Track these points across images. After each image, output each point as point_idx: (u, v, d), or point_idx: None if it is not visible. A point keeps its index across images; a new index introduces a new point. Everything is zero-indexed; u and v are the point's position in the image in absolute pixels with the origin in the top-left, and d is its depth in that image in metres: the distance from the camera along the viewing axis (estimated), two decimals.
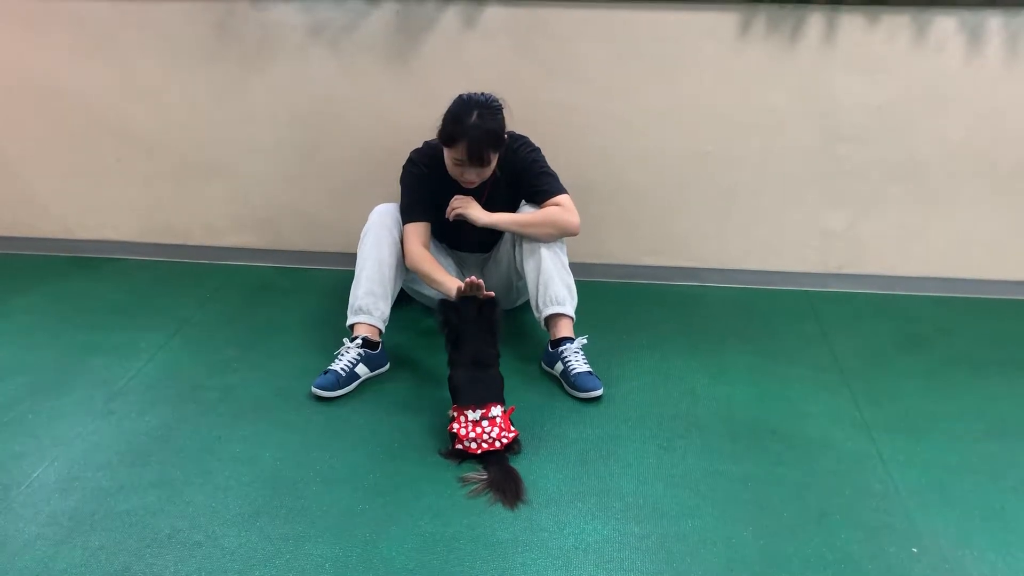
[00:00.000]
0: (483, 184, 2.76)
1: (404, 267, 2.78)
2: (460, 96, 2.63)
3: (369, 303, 2.70)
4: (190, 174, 3.47)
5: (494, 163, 2.68)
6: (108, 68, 3.32)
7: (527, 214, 2.75)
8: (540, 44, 3.12)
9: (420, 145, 2.81)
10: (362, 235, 2.79)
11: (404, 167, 2.81)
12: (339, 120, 3.31)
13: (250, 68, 3.27)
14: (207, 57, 3.26)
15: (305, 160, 3.40)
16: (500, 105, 2.62)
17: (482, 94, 2.62)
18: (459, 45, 3.15)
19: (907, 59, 3.05)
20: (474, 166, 2.62)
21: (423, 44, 3.17)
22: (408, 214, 2.79)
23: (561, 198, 2.75)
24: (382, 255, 2.73)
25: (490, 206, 2.78)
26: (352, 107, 3.28)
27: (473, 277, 2.50)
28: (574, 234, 2.74)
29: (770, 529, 2.07)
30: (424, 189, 2.78)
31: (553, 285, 2.71)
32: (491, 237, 2.90)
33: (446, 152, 2.66)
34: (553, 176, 2.79)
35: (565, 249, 2.78)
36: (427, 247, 2.77)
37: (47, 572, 1.90)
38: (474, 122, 2.55)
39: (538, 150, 2.81)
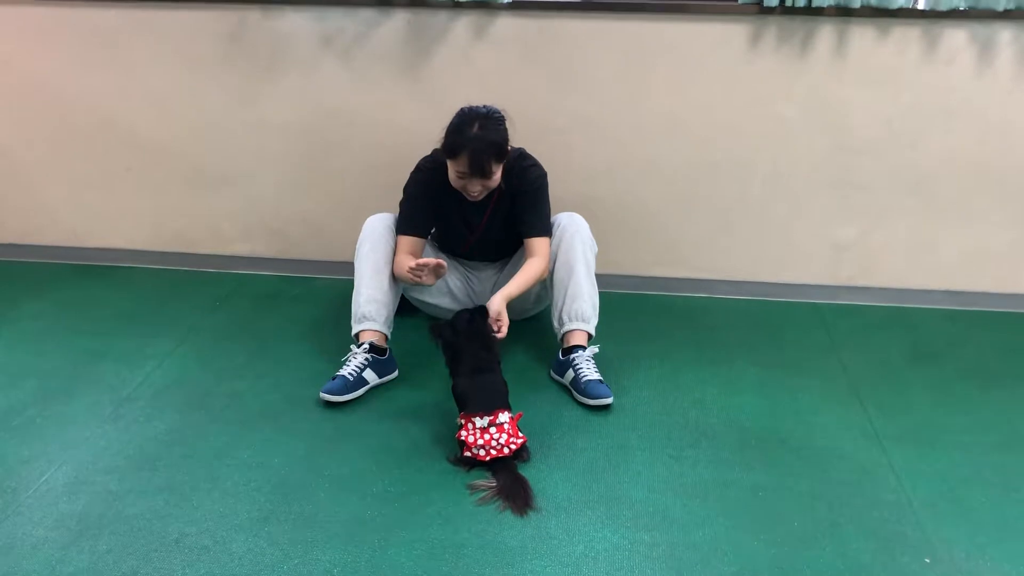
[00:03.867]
0: (488, 198, 2.76)
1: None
2: (462, 109, 2.63)
3: (372, 310, 2.70)
4: (200, 183, 3.47)
5: (498, 175, 2.66)
6: (119, 77, 3.34)
7: (521, 280, 2.68)
8: (550, 54, 3.13)
9: (430, 152, 2.81)
10: (358, 246, 2.78)
11: (411, 174, 2.81)
12: (349, 129, 3.32)
13: (261, 77, 3.28)
14: (218, 66, 3.27)
15: (315, 169, 3.41)
16: (502, 116, 2.62)
17: (484, 106, 2.61)
18: (469, 55, 3.16)
19: (917, 71, 3.05)
20: (476, 177, 2.61)
21: (434, 54, 3.18)
22: (405, 225, 2.78)
23: (541, 243, 2.74)
24: (379, 262, 2.73)
25: (492, 221, 2.80)
26: (362, 117, 3.29)
27: (422, 260, 2.58)
28: (542, 278, 2.77)
29: (781, 538, 2.06)
30: (426, 198, 2.78)
31: (580, 301, 2.72)
32: (507, 248, 2.90)
33: (449, 165, 2.65)
34: (547, 216, 2.78)
35: (594, 263, 2.79)
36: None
37: (55, 575, 1.90)
38: (476, 133, 2.55)
39: (545, 176, 2.78)
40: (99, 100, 3.38)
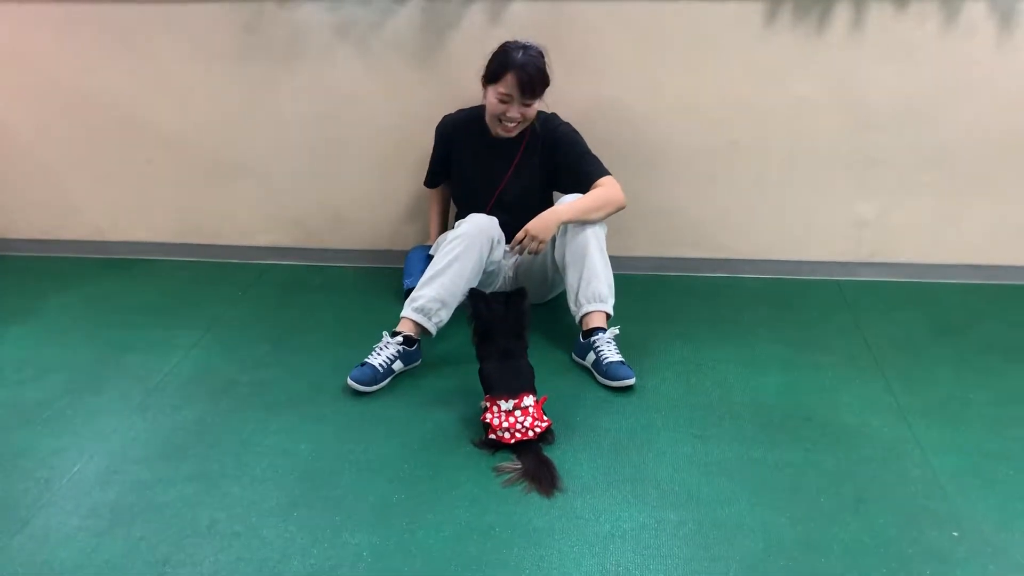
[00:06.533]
0: (520, 140, 2.86)
1: (475, 283, 2.73)
2: (505, 41, 2.77)
3: (433, 308, 2.65)
4: (220, 174, 3.50)
5: (535, 107, 2.79)
6: (138, 70, 3.35)
7: (584, 199, 2.77)
8: (565, 38, 3.11)
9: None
10: (452, 235, 2.72)
11: (436, 129, 3.04)
12: (366, 118, 3.33)
13: (278, 68, 3.29)
14: (235, 57, 3.29)
15: (333, 158, 3.42)
16: (543, 53, 2.75)
17: (527, 41, 2.76)
18: (484, 41, 3.12)
19: (937, 45, 3.02)
20: (522, 97, 2.71)
21: (449, 41, 3.17)
22: (428, 180, 3.20)
23: (605, 179, 2.83)
24: (466, 269, 2.66)
25: (518, 175, 2.90)
26: (379, 105, 3.30)
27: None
28: (624, 206, 2.82)
29: (807, 515, 2.06)
30: (442, 148, 3.05)
31: (596, 282, 2.72)
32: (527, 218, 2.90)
33: (491, 91, 2.76)
34: (596, 158, 2.87)
35: (605, 242, 2.80)
36: (446, 208, 3.26)
37: (89, 563, 1.93)
38: (523, 57, 2.70)
39: (579, 133, 2.90)
40: (118, 95, 3.40)
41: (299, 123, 3.37)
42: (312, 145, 3.41)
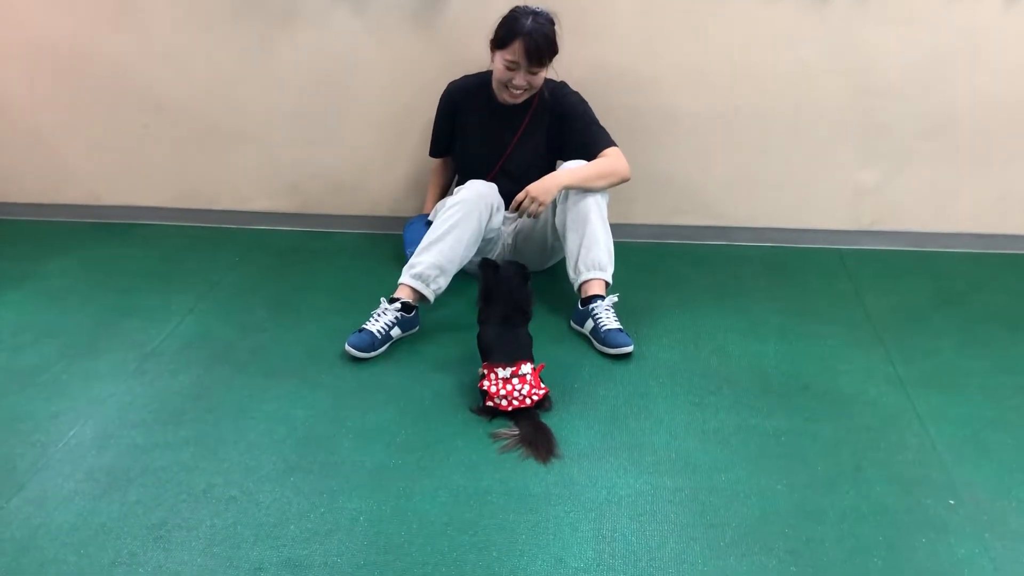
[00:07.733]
0: (523, 112, 2.80)
1: (474, 251, 2.73)
2: (515, 6, 2.73)
3: (431, 275, 2.63)
4: (217, 139, 3.46)
5: (543, 75, 2.76)
6: (133, 34, 3.31)
7: (588, 167, 2.76)
8: (566, 2, 3.06)
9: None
10: (451, 202, 2.70)
11: (441, 96, 2.98)
12: (364, 82, 3.29)
13: (275, 31, 3.25)
14: (232, 21, 3.24)
15: (331, 123, 3.38)
16: (554, 20, 2.72)
17: (536, 7, 2.72)
18: (484, 3, 3.09)
19: (942, 9, 2.98)
20: (529, 65, 2.68)
21: (448, 3, 3.13)
22: (432, 149, 3.12)
23: (611, 150, 2.81)
24: (465, 235, 2.65)
25: (524, 142, 2.87)
26: (377, 69, 3.26)
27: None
28: (628, 179, 2.81)
29: (804, 483, 2.06)
30: (446, 117, 2.99)
31: (596, 249, 2.71)
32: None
33: (498, 56, 2.73)
34: (604, 129, 2.86)
35: (606, 211, 2.78)
36: (448, 182, 3.16)
37: (86, 526, 1.93)
38: (531, 24, 2.66)
39: (587, 103, 2.88)
40: (115, 58, 3.36)
41: (296, 87, 3.33)
42: (310, 109, 3.37)
